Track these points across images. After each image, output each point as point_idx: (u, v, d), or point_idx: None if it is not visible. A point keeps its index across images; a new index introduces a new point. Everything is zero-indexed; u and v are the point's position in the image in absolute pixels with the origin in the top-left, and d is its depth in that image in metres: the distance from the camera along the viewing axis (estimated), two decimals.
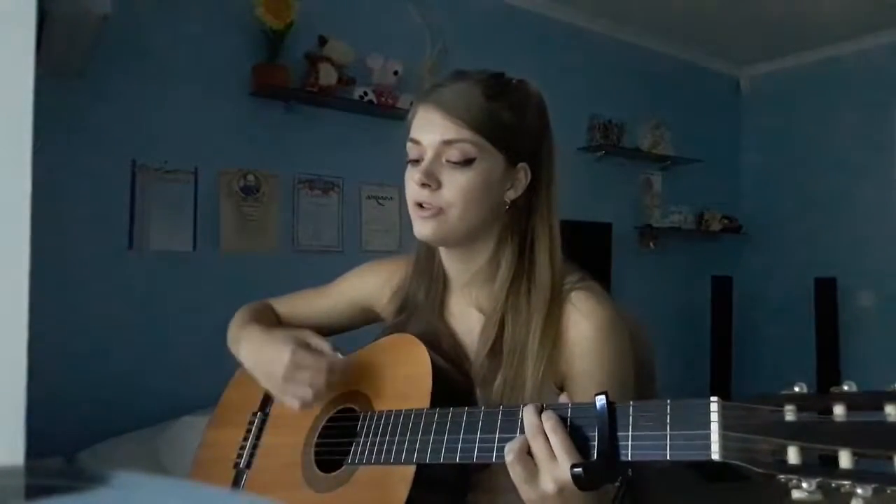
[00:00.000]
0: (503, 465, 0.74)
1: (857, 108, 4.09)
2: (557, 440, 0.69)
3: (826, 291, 3.99)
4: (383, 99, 2.79)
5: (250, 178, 2.63)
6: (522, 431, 0.73)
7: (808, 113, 4.33)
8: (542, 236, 0.92)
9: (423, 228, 0.90)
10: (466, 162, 0.88)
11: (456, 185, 0.88)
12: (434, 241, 0.94)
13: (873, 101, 4.02)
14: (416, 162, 0.90)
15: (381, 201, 2.96)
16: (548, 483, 0.70)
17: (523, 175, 0.92)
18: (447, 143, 0.88)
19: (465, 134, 0.87)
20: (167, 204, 2.43)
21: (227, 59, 2.58)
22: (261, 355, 0.98)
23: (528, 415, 0.72)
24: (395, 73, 2.85)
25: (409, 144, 0.92)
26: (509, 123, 0.90)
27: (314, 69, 2.67)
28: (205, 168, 2.52)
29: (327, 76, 2.67)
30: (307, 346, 0.95)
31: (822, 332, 3.95)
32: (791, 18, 3.80)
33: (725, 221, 4.39)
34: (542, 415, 0.71)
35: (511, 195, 0.92)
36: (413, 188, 0.90)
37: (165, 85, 2.43)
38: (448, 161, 0.88)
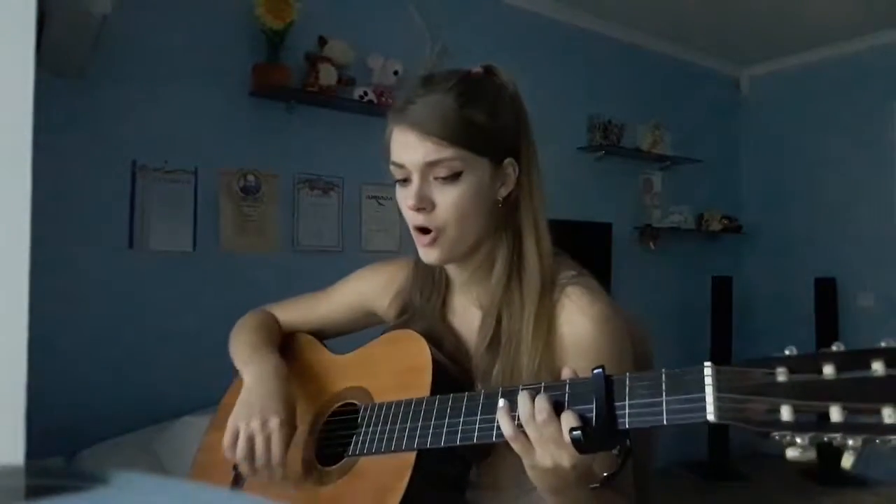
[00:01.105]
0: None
1: (857, 108, 4.09)
2: (551, 431, 0.70)
3: (826, 291, 3.99)
4: (383, 99, 2.78)
5: (250, 178, 2.63)
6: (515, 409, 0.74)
7: (808, 113, 4.33)
8: (528, 226, 0.92)
9: (428, 255, 0.91)
10: (454, 176, 0.88)
11: (449, 202, 0.88)
12: (443, 263, 0.95)
13: (873, 101, 4.02)
14: (404, 182, 0.91)
15: (381, 201, 2.96)
16: (545, 459, 0.71)
17: (511, 170, 0.92)
18: (431, 164, 0.88)
19: (447, 152, 0.87)
20: (167, 204, 2.43)
21: (227, 59, 2.58)
22: (257, 390, 0.96)
23: (522, 401, 0.72)
24: (395, 73, 2.85)
25: (392, 167, 0.92)
26: (487, 126, 0.89)
27: (314, 69, 2.67)
28: (205, 168, 2.52)
29: (327, 76, 2.67)
30: (290, 426, 0.94)
31: (822, 333, 3.95)
32: (791, 18, 3.80)
33: (725, 221, 4.38)
34: (536, 405, 0.71)
35: (503, 192, 0.92)
36: (408, 213, 0.91)
37: (165, 85, 2.43)
38: (436, 178, 0.88)
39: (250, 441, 0.91)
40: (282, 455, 0.91)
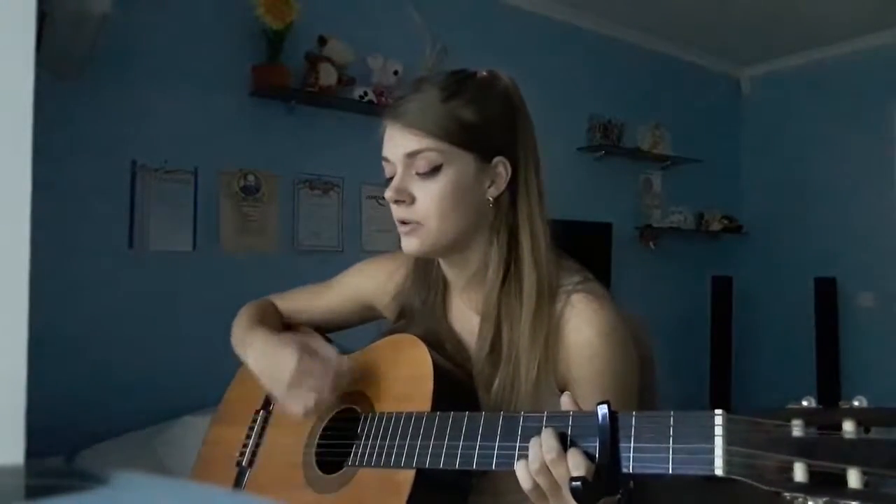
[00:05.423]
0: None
1: (857, 108, 4.09)
2: (560, 473, 0.69)
3: (826, 291, 3.99)
4: (383, 99, 2.78)
5: (250, 178, 2.63)
6: (522, 440, 0.73)
7: (808, 113, 4.33)
8: (524, 231, 0.90)
9: (408, 244, 0.91)
10: (434, 170, 0.87)
11: (428, 196, 0.87)
12: (422, 255, 0.94)
13: (873, 101, 4.02)
14: (391, 179, 0.91)
15: (381, 201, 2.96)
16: None
17: (502, 169, 0.90)
18: (411, 155, 0.88)
19: (426, 142, 0.87)
20: (167, 204, 2.43)
21: (227, 59, 2.58)
22: (267, 360, 0.97)
23: (532, 448, 0.71)
24: (395, 73, 2.85)
25: (383, 163, 0.93)
26: (472, 121, 0.87)
27: (314, 69, 2.67)
28: (205, 168, 2.52)
29: (327, 76, 2.67)
30: (314, 353, 0.94)
31: (822, 332, 3.95)
32: (791, 18, 3.80)
33: (725, 221, 4.39)
34: (543, 447, 0.69)
35: (493, 192, 0.90)
36: (391, 206, 0.91)
37: (165, 85, 2.43)
38: (417, 173, 0.88)
39: (310, 387, 0.90)
40: (325, 386, 0.90)
